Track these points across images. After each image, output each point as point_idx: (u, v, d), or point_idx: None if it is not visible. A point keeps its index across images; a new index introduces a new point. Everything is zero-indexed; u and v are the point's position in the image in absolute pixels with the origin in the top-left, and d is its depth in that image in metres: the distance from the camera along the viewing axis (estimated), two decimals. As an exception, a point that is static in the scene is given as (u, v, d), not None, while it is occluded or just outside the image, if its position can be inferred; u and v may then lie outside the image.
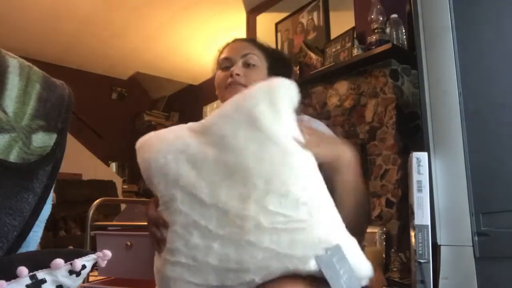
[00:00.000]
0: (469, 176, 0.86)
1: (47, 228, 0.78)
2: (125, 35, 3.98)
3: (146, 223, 0.86)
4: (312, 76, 2.40)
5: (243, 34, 3.20)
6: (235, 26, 3.49)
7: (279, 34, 2.97)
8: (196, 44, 4.09)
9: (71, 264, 0.49)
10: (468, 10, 0.92)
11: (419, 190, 0.87)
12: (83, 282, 1.28)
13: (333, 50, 2.39)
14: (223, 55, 1.05)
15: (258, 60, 1.03)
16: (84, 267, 0.50)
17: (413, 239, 0.86)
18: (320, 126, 1.08)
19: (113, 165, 5.27)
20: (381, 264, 1.89)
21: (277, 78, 0.79)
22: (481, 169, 0.86)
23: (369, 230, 1.96)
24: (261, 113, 0.72)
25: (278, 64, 1.08)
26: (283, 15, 2.97)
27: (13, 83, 0.54)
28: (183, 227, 0.74)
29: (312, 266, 0.66)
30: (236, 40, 1.10)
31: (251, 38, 1.12)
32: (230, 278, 0.69)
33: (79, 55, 4.51)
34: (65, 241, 3.53)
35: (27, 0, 3.32)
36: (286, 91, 0.76)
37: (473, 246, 0.83)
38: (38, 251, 0.60)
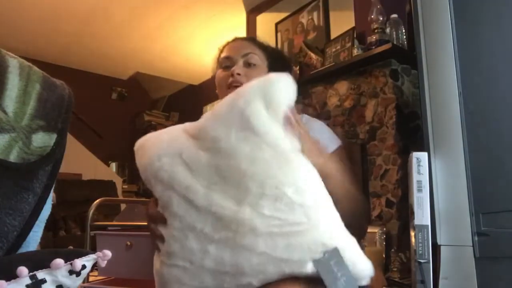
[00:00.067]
0: (469, 176, 0.86)
1: (47, 228, 0.78)
2: (125, 35, 3.98)
3: (146, 223, 0.86)
4: (312, 76, 2.40)
5: (243, 34, 3.20)
6: (235, 26, 3.49)
7: (279, 34, 2.97)
8: (196, 44, 4.09)
9: (71, 264, 0.49)
10: (468, 10, 0.92)
11: (419, 190, 0.87)
12: (83, 282, 1.28)
13: (333, 50, 2.39)
14: (223, 54, 1.05)
15: (259, 59, 1.03)
16: (84, 267, 0.50)
17: (413, 239, 0.86)
18: (320, 125, 1.08)
19: (113, 165, 5.28)
20: (381, 264, 1.89)
21: (272, 74, 0.76)
22: (481, 169, 0.86)
23: (369, 230, 1.96)
24: (254, 113, 0.70)
25: (278, 63, 1.08)
26: (283, 15, 2.97)
27: (13, 83, 0.54)
28: (179, 230, 0.73)
29: (309, 269, 0.65)
30: (236, 39, 1.10)
31: (251, 37, 1.12)
32: (226, 281, 0.69)
33: (79, 55, 4.51)
34: (65, 241, 3.53)
35: (27, 0, 3.31)
36: (281, 85, 0.73)
37: (473, 246, 0.83)
38: (38, 251, 0.60)
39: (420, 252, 0.84)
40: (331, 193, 0.75)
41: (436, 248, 0.86)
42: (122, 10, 3.51)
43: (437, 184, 0.89)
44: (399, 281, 1.72)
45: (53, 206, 0.67)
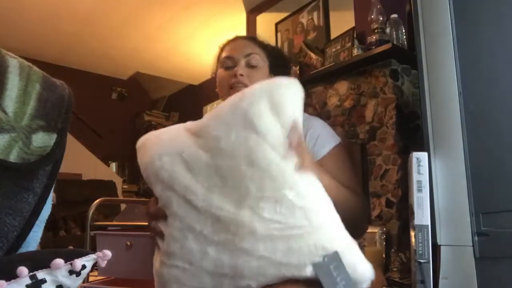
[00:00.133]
0: (469, 176, 0.86)
1: (47, 228, 0.78)
2: (125, 35, 3.98)
3: (146, 223, 0.86)
4: (312, 76, 2.40)
5: (243, 34, 3.19)
6: (235, 26, 3.49)
7: (279, 34, 2.97)
8: (196, 44, 4.09)
9: (71, 264, 0.49)
10: (468, 10, 0.92)
11: (419, 190, 0.87)
12: (83, 282, 1.28)
13: (333, 50, 2.39)
14: (225, 54, 1.04)
15: (261, 60, 1.03)
16: (84, 267, 0.50)
17: (413, 239, 0.86)
18: (320, 123, 1.08)
19: (113, 165, 5.28)
20: (381, 264, 1.89)
21: (276, 78, 0.76)
22: (481, 169, 0.86)
23: (369, 230, 1.96)
24: (258, 114, 0.69)
25: (278, 62, 1.08)
26: (283, 15, 2.97)
27: (13, 83, 0.54)
28: (179, 230, 0.73)
29: (308, 272, 0.65)
30: (237, 38, 1.10)
31: (252, 36, 1.11)
32: (225, 283, 0.68)
33: (79, 55, 4.51)
34: (65, 241, 3.53)
35: (27, 0, 3.32)
36: (289, 91, 0.72)
37: (473, 246, 0.83)
38: (38, 251, 0.60)
39: (420, 252, 0.84)
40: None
41: (436, 248, 0.86)
42: (122, 10, 3.51)
43: (437, 184, 0.89)
44: (399, 281, 1.72)
45: (53, 206, 0.67)
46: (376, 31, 2.07)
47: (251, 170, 0.68)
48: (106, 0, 3.35)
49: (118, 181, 4.69)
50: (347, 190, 0.91)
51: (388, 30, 2.10)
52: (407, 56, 2.06)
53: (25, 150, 0.53)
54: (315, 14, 2.72)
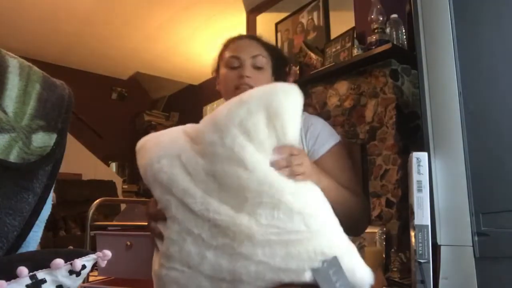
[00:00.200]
0: (469, 176, 0.86)
1: (47, 228, 0.78)
2: (125, 35, 3.98)
3: (146, 223, 0.86)
4: (312, 76, 2.40)
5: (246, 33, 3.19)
6: (235, 26, 3.49)
7: (279, 34, 2.97)
8: (196, 44, 4.09)
9: (71, 264, 0.49)
10: (468, 10, 0.92)
11: (419, 190, 0.87)
12: (83, 282, 1.28)
13: (333, 50, 2.39)
14: (231, 53, 1.04)
15: (265, 61, 1.03)
16: (84, 267, 0.50)
17: (413, 239, 0.86)
18: (320, 122, 1.08)
19: (113, 165, 5.27)
20: (381, 264, 1.89)
21: (276, 84, 0.76)
22: (481, 169, 0.86)
23: (369, 230, 1.96)
24: (255, 124, 0.69)
25: (279, 63, 1.09)
26: (283, 15, 2.97)
27: (13, 83, 0.54)
28: (178, 233, 0.73)
29: (307, 278, 0.65)
30: (242, 37, 1.09)
31: (257, 36, 1.11)
32: (224, 287, 0.69)
33: (79, 55, 4.51)
34: (65, 241, 3.53)
35: (27, 0, 3.31)
36: (286, 98, 0.71)
37: (473, 246, 0.83)
38: (38, 251, 0.60)
39: (420, 252, 0.84)
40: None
41: (436, 248, 0.85)
42: (123, 10, 3.51)
43: (437, 184, 0.89)
44: (399, 281, 1.72)
45: (53, 206, 0.67)
46: (376, 31, 2.07)
47: (248, 176, 0.68)
48: (106, 0, 3.34)
49: (118, 181, 4.69)
50: (347, 191, 0.91)
51: (388, 30, 2.10)
52: (407, 56, 2.06)
53: (25, 150, 0.53)
54: (315, 14, 2.72)
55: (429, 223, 0.85)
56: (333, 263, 0.66)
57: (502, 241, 0.81)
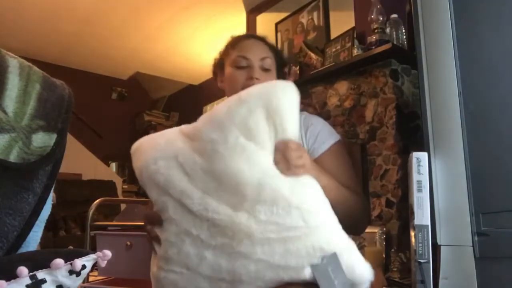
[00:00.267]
0: (469, 176, 0.86)
1: (47, 228, 0.78)
2: (125, 35, 3.98)
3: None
4: (312, 76, 2.40)
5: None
6: (235, 26, 3.49)
7: (279, 34, 2.97)
8: (196, 44, 4.09)
9: (71, 264, 0.49)
10: (468, 10, 0.92)
11: (419, 190, 0.87)
12: (83, 282, 1.28)
13: (333, 50, 2.39)
14: (239, 53, 1.04)
15: (272, 63, 1.05)
16: (84, 267, 0.50)
17: (413, 239, 0.86)
18: (320, 121, 1.08)
19: (113, 165, 5.27)
20: (381, 264, 1.89)
21: (272, 82, 0.77)
22: (481, 169, 0.86)
23: (369, 230, 1.96)
24: (255, 122, 0.69)
25: (281, 63, 1.10)
26: (283, 15, 2.97)
27: (13, 83, 0.54)
28: (176, 235, 0.73)
29: (307, 275, 0.65)
30: (251, 37, 1.10)
31: (264, 38, 1.12)
32: (223, 287, 0.69)
33: (79, 55, 4.51)
34: (65, 241, 3.53)
35: (27, 0, 3.31)
36: (284, 95, 0.72)
37: (473, 246, 0.83)
38: (38, 251, 0.60)
39: (420, 252, 0.84)
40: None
41: (436, 248, 0.85)
42: (123, 10, 3.51)
43: (437, 184, 0.89)
44: (399, 281, 1.72)
45: (53, 206, 0.67)
46: (376, 31, 2.07)
47: (249, 173, 0.68)
48: (106, 0, 3.34)
49: (118, 181, 4.69)
50: (347, 190, 0.91)
51: (388, 30, 2.10)
52: (407, 56, 2.06)
53: (25, 150, 0.53)
54: (315, 14, 2.72)
55: (429, 223, 0.85)
56: (332, 259, 0.66)
57: (502, 241, 0.81)
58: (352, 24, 2.39)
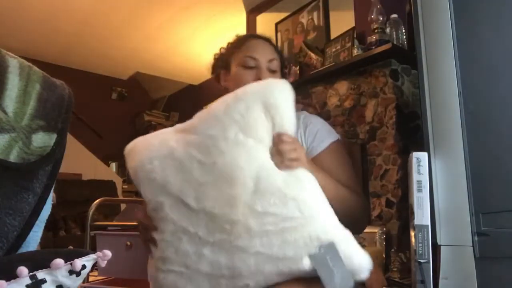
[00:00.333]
0: (469, 176, 0.86)
1: (47, 228, 0.78)
2: (125, 35, 3.97)
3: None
4: (312, 76, 2.40)
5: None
6: (235, 26, 3.49)
7: (279, 34, 2.97)
8: (196, 44, 4.09)
9: (71, 264, 0.49)
10: (468, 10, 0.92)
11: (419, 190, 0.87)
12: (83, 282, 1.28)
13: (333, 50, 2.39)
14: (248, 53, 1.04)
15: (278, 66, 1.06)
16: (84, 267, 0.50)
17: (413, 239, 0.86)
18: (320, 120, 1.08)
19: (113, 165, 5.27)
20: (381, 264, 1.89)
21: (267, 80, 0.79)
22: (481, 169, 0.86)
23: (369, 230, 1.96)
24: (254, 117, 0.71)
25: (283, 65, 1.11)
26: (283, 15, 2.97)
27: (13, 83, 0.54)
28: (172, 234, 0.73)
29: (305, 265, 0.65)
30: (259, 38, 1.10)
31: (271, 40, 1.13)
32: (223, 284, 0.69)
33: (79, 55, 4.51)
34: (65, 241, 3.53)
35: (27, 0, 3.31)
36: (280, 91, 0.74)
37: (473, 246, 0.83)
38: (38, 251, 0.60)
39: (420, 252, 0.84)
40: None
41: (436, 248, 0.85)
42: (123, 10, 3.51)
43: (437, 184, 0.89)
44: (399, 281, 1.72)
45: (53, 206, 0.67)
46: (376, 31, 2.07)
47: (246, 166, 0.69)
48: (106, 0, 3.34)
49: (118, 181, 4.69)
50: (346, 190, 0.91)
51: (388, 30, 2.10)
52: (407, 56, 2.06)
53: (25, 150, 0.53)
54: (315, 14, 2.72)
55: (429, 223, 0.85)
56: (330, 248, 0.66)
57: (502, 241, 0.81)
58: (352, 24, 2.39)
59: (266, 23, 3.11)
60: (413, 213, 0.87)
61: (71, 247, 0.71)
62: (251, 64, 1.02)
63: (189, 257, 0.70)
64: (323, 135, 1.02)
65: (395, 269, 1.78)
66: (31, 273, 0.46)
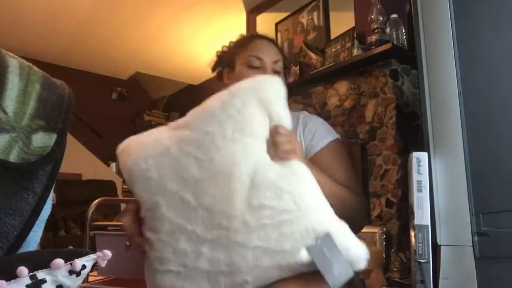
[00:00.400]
0: (469, 176, 0.86)
1: (47, 228, 0.78)
2: (125, 35, 3.98)
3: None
4: (312, 76, 2.40)
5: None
6: (235, 26, 3.49)
7: (279, 34, 2.97)
8: (196, 44, 4.09)
9: (71, 264, 0.49)
10: (468, 10, 0.92)
11: (419, 190, 0.87)
12: (83, 282, 1.28)
13: (333, 50, 2.39)
14: (252, 53, 1.04)
15: (281, 67, 1.07)
16: (84, 267, 0.50)
17: (413, 239, 0.86)
18: (319, 120, 1.08)
19: (113, 165, 5.26)
20: (381, 264, 1.89)
21: (260, 76, 0.81)
22: (481, 169, 0.86)
23: (369, 230, 1.96)
24: (250, 113, 0.72)
25: (285, 66, 1.11)
26: (283, 15, 2.97)
27: (13, 83, 0.54)
28: (169, 233, 0.72)
29: (303, 257, 0.65)
30: (264, 39, 1.10)
31: (276, 42, 1.13)
32: (222, 281, 0.68)
33: (79, 55, 4.51)
34: (65, 241, 3.53)
35: (27, 0, 3.31)
36: (273, 87, 0.76)
37: (473, 246, 0.83)
38: (38, 251, 0.60)
39: (420, 252, 0.84)
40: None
41: (436, 248, 0.85)
42: (123, 10, 3.51)
43: (437, 184, 0.89)
44: (399, 281, 1.72)
45: (53, 206, 0.67)
46: (376, 31, 2.07)
47: (244, 163, 0.70)
48: (106, 0, 3.34)
49: (118, 181, 4.68)
50: (344, 188, 0.91)
51: (388, 30, 2.10)
52: (407, 56, 2.06)
53: (25, 150, 0.53)
54: (315, 14, 2.72)
55: (429, 223, 0.85)
56: (327, 239, 0.66)
57: (502, 241, 0.81)
58: (352, 24, 2.39)
59: (266, 23, 3.11)
60: (413, 213, 0.87)
61: (71, 247, 0.71)
62: (256, 64, 1.02)
63: (188, 256, 0.70)
64: (322, 133, 1.02)
65: (395, 269, 1.78)
66: (31, 273, 0.46)
